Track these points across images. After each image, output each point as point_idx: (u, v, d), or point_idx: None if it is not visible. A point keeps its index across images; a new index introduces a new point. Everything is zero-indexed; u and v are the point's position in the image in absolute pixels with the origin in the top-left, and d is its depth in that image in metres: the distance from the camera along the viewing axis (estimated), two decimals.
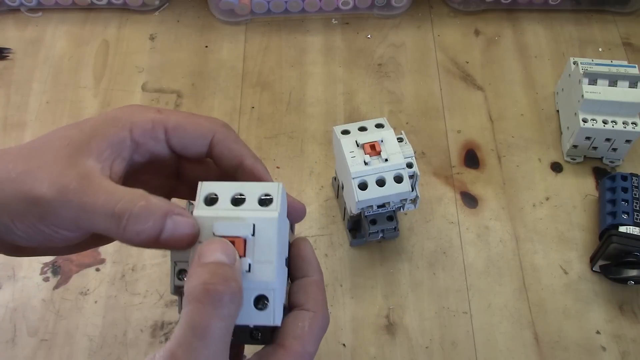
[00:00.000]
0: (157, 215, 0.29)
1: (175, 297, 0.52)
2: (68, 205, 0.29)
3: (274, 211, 0.30)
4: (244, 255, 0.29)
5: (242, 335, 0.31)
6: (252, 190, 0.31)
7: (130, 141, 0.32)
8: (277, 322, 0.30)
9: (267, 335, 0.32)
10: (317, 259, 0.34)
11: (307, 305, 0.31)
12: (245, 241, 0.30)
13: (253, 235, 0.30)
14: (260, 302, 0.30)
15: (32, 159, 0.30)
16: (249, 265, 0.29)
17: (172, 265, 0.35)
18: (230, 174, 0.34)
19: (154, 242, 0.29)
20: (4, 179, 0.30)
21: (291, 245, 0.34)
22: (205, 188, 0.31)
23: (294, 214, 0.34)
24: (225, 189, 0.31)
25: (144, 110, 0.33)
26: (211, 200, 0.31)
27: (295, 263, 0.33)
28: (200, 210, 0.30)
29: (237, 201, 0.31)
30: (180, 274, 0.34)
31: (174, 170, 0.36)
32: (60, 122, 0.63)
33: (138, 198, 0.29)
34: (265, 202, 0.31)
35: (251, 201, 0.30)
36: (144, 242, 0.29)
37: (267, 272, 0.29)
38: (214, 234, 0.30)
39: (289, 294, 0.33)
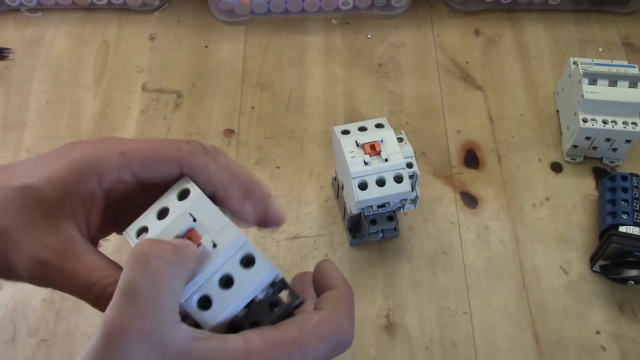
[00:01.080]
0: None
1: None
2: (46, 278, 0.29)
3: (196, 191, 0.31)
4: (201, 242, 0.30)
5: (263, 312, 0.30)
6: (169, 196, 0.32)
7: (100, 192, 0.31)
8: (274, 269, 0.30)
9: (285, 309, 0.31)
10: (342, 274, 0.33)
11: (324, 307, 0.30)
12: (194, 230, 0.30)
13: (195, 220, 0.30)
14: (249, 262, 0.30)
15: (6, 216, 0.29)
16: (212, 242, 0.30)
17: None
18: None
19: None
20: None
21: (315, 269, 0.34)
22: (129, 231, 0.32)
23: (270, 221, 0.34)
24: (146, 216, 0.32)
25: (106, 155, 0.31)
26: (140, 231, 0.31)
27: (319, 282, 0.33)
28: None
29: (162, 213, 0.31)
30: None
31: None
32: (60, 122, 0.63)
33: (111, 278, 0.29)
34: (183, 194, 0.32)
35: (174, 205, 0.31)
36: None
37: (231, 232, 0.30)
38: None
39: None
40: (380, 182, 0.48)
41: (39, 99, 0.65)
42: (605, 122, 0.57)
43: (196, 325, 0.29)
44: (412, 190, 0.49)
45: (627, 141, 0.58)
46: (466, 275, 0.54)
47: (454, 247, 0.56)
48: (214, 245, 0.30)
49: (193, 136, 0.62)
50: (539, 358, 0.50)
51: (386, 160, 0.48)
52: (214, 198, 0.32)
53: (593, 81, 0.57)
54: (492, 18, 0.73)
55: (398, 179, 0.48)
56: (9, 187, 0.30)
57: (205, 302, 0.29)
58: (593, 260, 0.54)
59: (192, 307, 0.29)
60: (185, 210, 0.31)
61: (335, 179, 0.57)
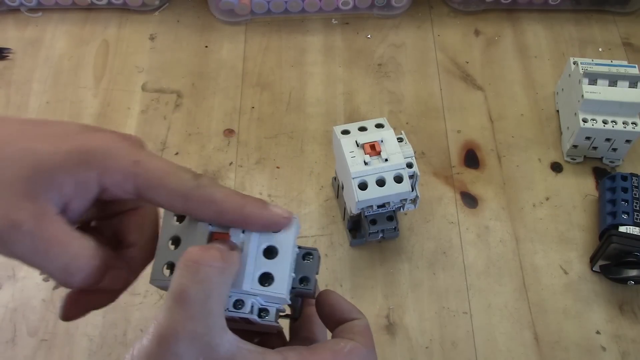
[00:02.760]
0: (98, 273, 0.31)
1: None
2: (18, 243, 0.29)
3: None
4: (230, 235, 0.31)
5: (304, 266, 0.33)
6: (169, 227, 0.33)
7: (96, 185, 0.30)
8: (295, 215, 0.32)
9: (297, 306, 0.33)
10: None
11: (355, 337, 0.32)
12: (215, 232, 0.31)
13: (210, 225, 0.31)
14: (267, 278, 0.31)
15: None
16: (240, 230, 0.31)
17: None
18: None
19: (87, 288, 0.31)
20: None
21: (322, 299, 0.34)
22: (155, 276, 0.32)
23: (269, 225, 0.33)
24: (163, 253, 0.32)
25: (121, 155, 0.31)
26: (169, 267, 0.32)
27: (331, 312, 0.33)
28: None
29: (175, 242, 0.32)
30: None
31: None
32: None
33: (87, 257, 0.30)
34: (181, 217, 0.33)
35: (181, 229, 0.32)
36: (77, 288, 0.31)
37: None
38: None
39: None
40: (380, 182, 0.48)
41: (39, 99, 0.65)
42: (605, 122, 0.57)
43: (238, 334, 0.30)
44: (412, 190, 0.49)
45: (627, 141, 0.58)
46: (466, 275, 0.54)
47: (454, 247, 0.56)
48: (243, 231, 0.31)
49: (193, 136, 0.62)
50: (539, 358, 0.50)
51: (386, 160, 0.48)
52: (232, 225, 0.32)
53: (593, 81, 0.57)
54: (492, 18, 0.73)
55: (398, 179, 0.48)
56: (16, 146, 0.29)
57: (265, 278, 0.31)
58: (593, 260, 0.54)
59: (259, 289, 0.30)
60: (196, 223, 0.31)
61: (335, 179, 0.57)
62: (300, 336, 0.35)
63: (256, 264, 0.31)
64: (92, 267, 0.30)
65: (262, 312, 0.31)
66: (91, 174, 0.30)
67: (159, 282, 0.32)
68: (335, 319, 0.33)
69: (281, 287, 0.31)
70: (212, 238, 0.31)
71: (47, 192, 0.29)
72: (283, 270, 0.31)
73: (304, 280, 0.32)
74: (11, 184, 0.28)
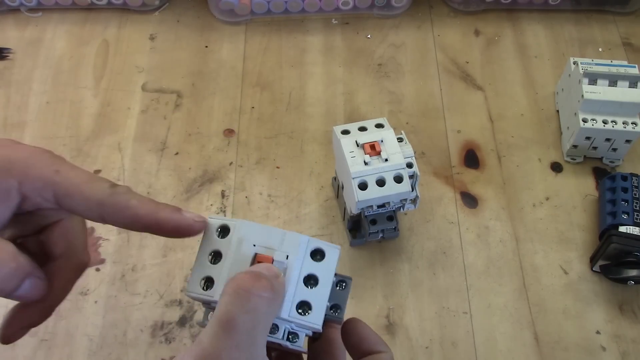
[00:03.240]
0: (15, 277, 0.31)
1: (176, 298, 0.52)
2: None
3: (234, 221, 0.32)
4: (274, 259, 0.31)
5: (337, 294, 0.33)
6: (210, 241, 0.33)
7: (17, 193, 0.31)
8: (338, 247, 0.32)
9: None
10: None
11: None
12: (259, 254, 0.31)
13: (254, 245, 0.31)
14: (319, 253, 0.32)
15: None
16: (284, 254, 0.31)
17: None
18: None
19: (5, 295, 0.31)
20: None
21: (350, 327, 0.35)
22: (191, 289, 0.32)
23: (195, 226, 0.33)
24: (201, 267, 0.32)
25: (43, 164, 0.32)
26: (206, 281, 0.32)
27: (358, 342, 0.34)
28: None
29: (214, 257, 0.32)
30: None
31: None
32: (60, 122, 0.63)
33: (4, 260, 0.30)
34: (223, 231, 0.33)
35: (222, 245, 0.32)
36: None
37: (294, 237, 0.32)
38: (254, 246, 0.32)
39: None
40: (380, 182, 0.48)
41: (39, 99, 0.65)
42: (605, 122, 0.57)
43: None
44: (412, 190, 0.49)
45: (627, 141, 0.58)
46: (466, 275, 0.54)
47: (454, 247, 0.56)
48: (287, 257, 0.31)
49: (193, 136, 0.62)
50: (539, 358, 0.50)
51: (386, 160, 0.48)
52: (151, 230, 0.32)
53: (593, 81, 0.57)
54: (492, 18, 0.73)
55: (398, 179, 0.48)
56: None
57: (303, 306, 0.31)
58: (593, 260, 0.54)
59: (296, 317, 0.31)
60: (239, 241, 0.31)
61: (335, 179, 0.57)
62: (322, 358, 0.35)
63: (296, 292, 0.31)
64: (9, 269, 0.30)
65: (292, 335, 0.32)
66: (11, 181, 0.31)
67: (195, 295, 0.32)
68: (362, 350, 0.33)
69: (318, 318, 0.31)
70: (255, 260, 0.31)
71: None
72: (321, 300, 0.31)
73: (335, 307, 0.33)
74: None
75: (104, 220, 0.32)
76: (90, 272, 0.53)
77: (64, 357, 0.49)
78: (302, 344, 0.32)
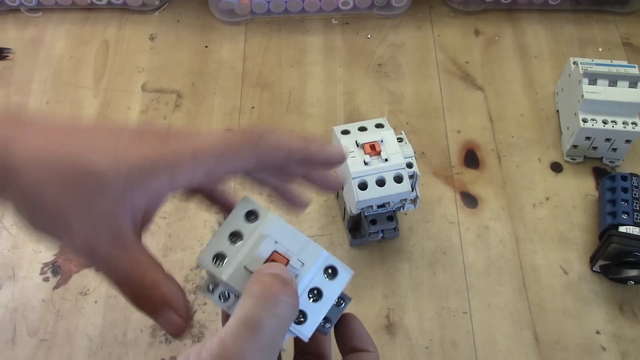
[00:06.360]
0: (157, 304, 0.32)
1: None
2: (92, 259, 0.30)
3: (267, 212, 0.33)
4: (289, 263, 0.31)
5: (332, 310, 0.33)
6: (236, 219, 0.33)
7: (167, 192, 0.31)
8: (351, 271, 0.33)
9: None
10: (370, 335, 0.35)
11: None
12: (277, 252, 0.32)
13: (276, 242, 0.32)
14: (333, 271, 0.33)
15: (64, 194, 0.29)
16: (299, 261, 0.32)
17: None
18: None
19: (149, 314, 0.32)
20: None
21: (345, 321, 0.35)
22: (203, 258, 0.32)
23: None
24: (217, 241, 0.32)
25: (181, 153, 0.31)
26: (217, 256, 0.32)
27: (349, 338, 0.34)
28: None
29: (233, 236, 0.32)
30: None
31: None
32: None
33: (154, 282, 0.31)
34: (250, 215, 0.33)
35: (246, 228, 0.32)
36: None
37: (315, 249, 0.32)
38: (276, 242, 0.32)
39: None
40: (380, 182, 0.48)
41: (39, 99, 0.65)
42: (605, 122, 0.57)
43: None
44: (412, 190, 0.49)
45: (627, 141, 0.58)
46: (466, 275, 0.54)
47: (454, 247, 0.56)
48: (302, 265, 0.31)
49: None
50: (539, 358, 0.50)
51: (386, 160, 0.48)
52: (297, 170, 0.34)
53: (593, 81, 0.57)
54: (492, 18, 0.73)
55: (398, 179, 0.48)
56: (74, 163, 0.29)
57: (299, 316, 0.31)
58: (593, 260, 0.54)
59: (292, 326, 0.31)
60: (263, 232, 0.32)
61: None
62: (308, 352, 0.35)
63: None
64: (152, 294, 0.31)
65: None
66: (161, 185, 0.30)
67: (205, 265, 0.32)
68: (351, 345, 0.34)
69: (308, 330, 0.31)
70: (271, 257, 0.31)
71: (121, 213, 0.30)
72: (318, 315, 0.31)
73: (325, 319, 0.33)
74: (87, 208, 0.29)
75: (259, 163, 0.32)
76: (90, 272, 0.53)
77: (64, 357, 0.49)
78: (283, 345, 0.32)
